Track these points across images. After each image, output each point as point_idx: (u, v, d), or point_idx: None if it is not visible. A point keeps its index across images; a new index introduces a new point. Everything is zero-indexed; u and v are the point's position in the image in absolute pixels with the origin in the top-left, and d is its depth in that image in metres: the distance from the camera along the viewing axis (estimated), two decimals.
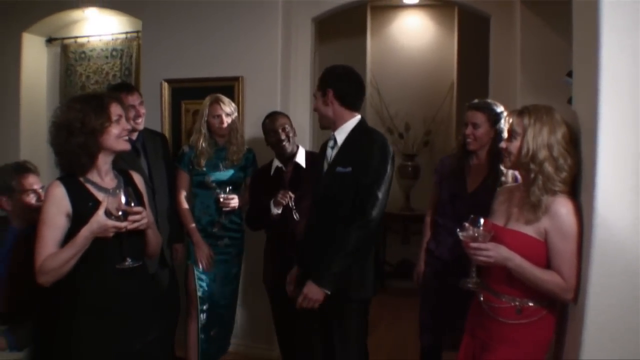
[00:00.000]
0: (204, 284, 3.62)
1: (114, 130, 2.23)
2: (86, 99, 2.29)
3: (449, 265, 3.01)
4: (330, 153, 2.79)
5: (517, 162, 2.18)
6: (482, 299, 2.26)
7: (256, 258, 3.87)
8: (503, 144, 2.23)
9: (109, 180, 2.31)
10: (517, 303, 2.15)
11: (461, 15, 6.42)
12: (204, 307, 3.63)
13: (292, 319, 3.11)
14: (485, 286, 2.24)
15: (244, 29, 4.41)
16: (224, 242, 3.67)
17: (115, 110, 2.26)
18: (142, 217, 2.19)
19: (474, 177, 3.08)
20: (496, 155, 2.85)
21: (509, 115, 2.28)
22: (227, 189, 3.57)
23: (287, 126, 3.49)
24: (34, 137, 5.25)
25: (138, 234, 2.28)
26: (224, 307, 3.75)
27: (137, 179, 2.47)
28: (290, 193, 3.35)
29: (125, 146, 2.31)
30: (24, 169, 2.96)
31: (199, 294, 3.60)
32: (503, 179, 2.89)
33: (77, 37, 5.38)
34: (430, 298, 3.19)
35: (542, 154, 2.08)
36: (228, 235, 3.68)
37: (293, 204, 3.36)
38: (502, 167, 2.81)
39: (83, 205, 2.18)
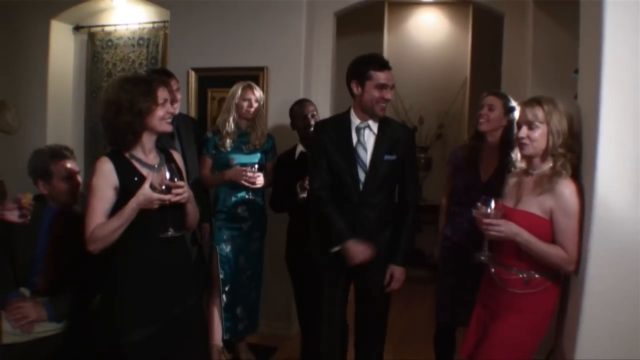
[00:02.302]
0: (226, 267, 3.79)
1: (159, 112, 2.39)
2: (136, 81, 2.44)
3: (464, 248, 3.15)
4: (368, 141, 2.98)
5: (546, 149, 2.35)
6: (493, 271, 2.47)
7: (273, 239, 4.07)
8: (524, 133, 2.38)
9: (152, 157, 2.48)
10: (524, 275, 2.35)
11: (475, 13, 6.59)
12: (226, 289, 3.79)
13: (315, 294, 3.33)
14: (496, 260, 2.44)
15: (270, 22, 4.59)
16: (248, 225, 3.84)
17: (162, 94, 2.42)
18: (184, 191, 2.36)
19: (485, 167, 3.23)
20: (507, 144, 3.00)
21: (523, 106, 2.45)
22: (253, 168, 3.68)
23: (315, 113, 3.71)
24: (60, 122, 5.49)
25: (179, 207, 2.45)
26: (248, 288, 3.91)
27: (177, 157, 2.65)
28: None
29: (167, 128, 2.47)
30: (60, 155, 3.01)
31: (221, 276, 3.77)
32: (513, 169, 3.06)
33: (104, 25, 5.53)
34: (448, 279, 3.35)
35: (564, 141, 2.29)
36: (252, 217, 3.85)
37: None
38: (512, 156, 2.95)
39: (129, 180, 2.35)
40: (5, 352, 2.70)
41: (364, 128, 2.99)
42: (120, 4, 5.43)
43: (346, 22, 5.36)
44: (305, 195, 3.53)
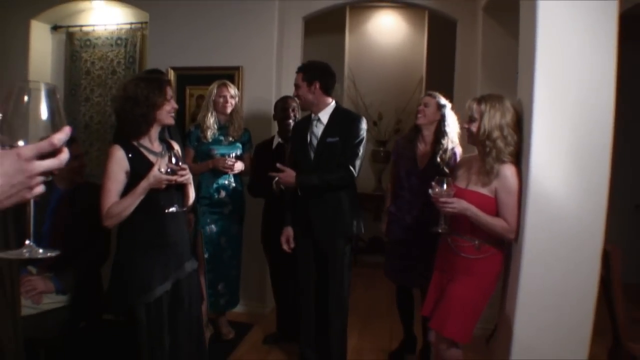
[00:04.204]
0: (210, 248, 4.15)
1: (167, 106, 2.77)
2: (150, 79, 2.81)
3: (407, 222, 3.76)
4: (317, 129, 3.49)
5: (476, 139, 2.82)
6: (449, 240, 2.93)
7: (248, 224, 4.43)
8: (465, 125, 2.87)
9: (156, 145, 2.84)
10: (476, 242, 2.82)
11: (431, 17, 7.02)
12: (209, 267, 4.15)
13: (289, 272, 3.77)
14: (452, 231, 2.89)
15: (244, 24, 4.93)
16: (229, 209, 4.21)
17: (169, 91, 2.80)
18: (187, 174, 2.75)
19: (421, 157, 3.75)
20: (438, 138, 3.65)
21: (470, 102, 2.90)
22: (231, 156, 4.11)
23: (296, 108, 4.13)
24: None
25: (181, 188, 2.84)
26: (228, 266, 4.27)
27: (176, 146, 3.02)
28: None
29: (171, 120, 2.84)
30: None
31: (205, 256, 4.12)
32: (443, 154, 3.63)
33: (82, 25, 5.76)
34: (396, 248, 3.87)
35: (495, 133, 2.73)
36: (232, 202, 4.22)
37: None
38: (443, 143, 3.61)
39: (138, 164, 2.70)
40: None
41: (316, 120, 3.53)
42: (99, 5, 5.68)
43: (311, 24, 5.67)
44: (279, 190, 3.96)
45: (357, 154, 3.42)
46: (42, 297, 3.08)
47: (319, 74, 3.50)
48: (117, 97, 2.83)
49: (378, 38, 7.52)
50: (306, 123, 3.60)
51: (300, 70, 3.53)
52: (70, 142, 2.99)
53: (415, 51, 7.37)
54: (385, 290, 5.55)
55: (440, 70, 5.98)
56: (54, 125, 0.99)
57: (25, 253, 1.07)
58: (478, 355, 3.74)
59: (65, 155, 0.99)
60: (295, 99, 3.94)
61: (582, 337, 2.59)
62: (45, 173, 0.97)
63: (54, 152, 0.97)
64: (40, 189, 0.98)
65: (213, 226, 4.18)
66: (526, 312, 2.65)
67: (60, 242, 3.12)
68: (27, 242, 1.08)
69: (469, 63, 4.91)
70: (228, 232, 4.24)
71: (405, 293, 3.98)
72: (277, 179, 3.64)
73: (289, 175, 3.42)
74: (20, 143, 0.96)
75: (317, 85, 3.46)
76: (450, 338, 2.88)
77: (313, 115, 3.53)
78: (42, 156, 0.95)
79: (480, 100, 2.82)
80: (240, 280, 4.45)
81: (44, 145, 0.95)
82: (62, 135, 0.97)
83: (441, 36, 6.11)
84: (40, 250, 1.08)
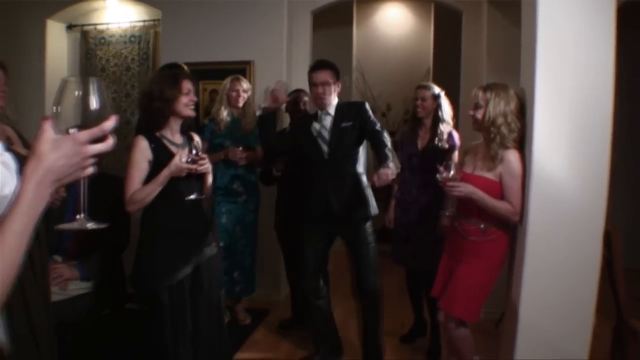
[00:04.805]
0: (225, 236, 4.30)
1: (183, 99, 2.90)
2: (164, 75, 2.97)
3: (408, 203, 3.98)
4: (326, 122, 3.58)
5: (482, 125, 2.94)
6: (457, 224, 3.06)
7: (262, 214, 4.58)
8: (471, 112, 3.00)
9: (177, 137, 2.98)
10: (482, 225, 2.93)
11: (437, 9, 7.12)
12: (224, 255, 4.27)
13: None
14: (459, 215, 3.03)
15: (255, 20, 5.06)
16: (243, 199, 4.38)
17: (186, 85, 2.92)
18: (206, 163, 2.90)
19: (422, 140, 3.96)
20: (436, 123, 3.87)
21: (476, 90, 3.02)
22: (240, 148, 4.23)
23: (306, 102, 4.29)
24: None
25: (200, 177, 2.98)
26: (243, 254, 4.43)
27: (196, 137, 3.15)
28: None
29: (190, 113, 2.96)
30: (85, 127, 3.55)
31: (221, 244, 4.24)
32: (439, 142, 3.84)
33: (96, 24, 5.89)
34: (401, 230, 4.05)
35: (499, 120, 2.85)
36: (246, 192, 4.38)
37: None
38: (441, 128, 3.84)
39: (161, 154, 2.84)
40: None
41: (323, 114, 3.62)
42: (112, 4, 5.80)
43: (319, 18, 5.78)
44: (279, 173, 4.19)
45: (377, 122, 3.54)
46: (68, 284, 3.22)
47: (339, 73, 3.65)
48: (140, 92, 2.98)
49: (385, 30, 7.63)
50: (307, 120, 3.71)
51: (329, 67, 3.60)
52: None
53: (422, 42, 7.48)
54: (395, 278, 5.67)
55: (447, 61, 6.11)
56: (103, 114, 1.12)
57: (78, 225, 1.21)
58: (488, 338, 3.88)
59: (112, 140, 1.11)
60: (306, 92, 4.05)
61: (585, 315, 2.70)
62: (96, 155, 1.09)
63: (103, 138, 1.09)
64: (91, 170, 1.11)
65: (228, 215, 4.33)
66: (531, 291, 2.76)
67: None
68: (78, 215, 1.23)
69: (474, 53, 5.01)
70: (242, 221, 4.39)
71: (412, 275, 4.15)
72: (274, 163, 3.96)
73: (385, 174, 3.19)
74: (72, 130, 1.09)
75: (340, 84, 3.62)
76: (458, 317, 3.00)
77: (320, 111, 3.62)
78: (94, 141, 1.08)
79: (485, 89, 2.94)
80: (255, 268, 4.59)
81: (95, 132, 1.08)
82: (111, 122, 1.09)
83: (447, 28, 6.21)
84: (90, 223, 1.22)
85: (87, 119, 1.11)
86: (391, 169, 3.15)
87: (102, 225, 1.23)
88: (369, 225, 3.63)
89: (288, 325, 4.51)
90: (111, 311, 3.58)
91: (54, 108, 1.11)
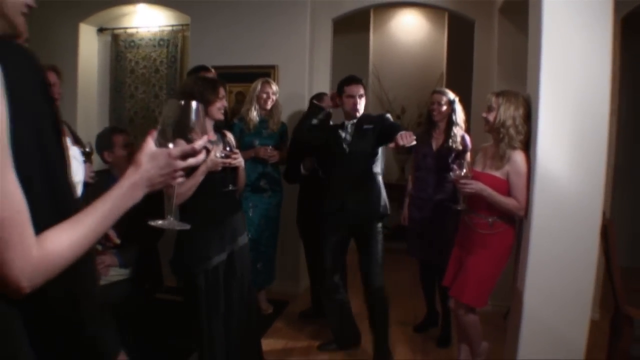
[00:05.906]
0: (252, 229, 4.54)
1: (218, 104, 3.16)
2: (206, 79, 3.24)
3: (423, 200, 4.22)
4: (350, 128, 3.87)
5: (492, 127, 3.21)
6: (467, 218, 3.33)
7: (285, 209, 4.85)
8: (484, 114, 3.26)
9: (211, 134, 3.23)
10: (489, 219, 3.21)
11: (450, 17, 7.35)
12: (250, 247, 4.49)
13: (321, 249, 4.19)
14: (469, 209, 3.31)
15: (279, 26, 5.30)
16: (268, 194, 4.66)
17: (222, 91, 3.20)
18: (239, 157, 3.19)
19: (436, 141, 4.22)
20: (450, 126, 4.12)
21: (490, 95, 3.30)
22: (270, 147, 4.56)
23: (330, 105, 4.53)
24: (87, 113, 6.10)
25: (234, 170, 3.25)
26: (266, 246, 4.70)
27: (229, 135, 3.44)
28: None
29: (221, 117, 3.22)
30: (117, 129, 3.86)
31: (248, 236, 4.51)
32: (453, 143, 4.10)
33: (126, 27, 6.18)
34: (415, 226, 4.31)
35: (509, 122, 3.12)
36: (271, 188, 4.67)
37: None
38: (454, 131, 4.08)
39: None
40: None
41: (350, 123, 3.90)
42: (142, 9, 6.07)
43: (338, 25, 5.95)
44: (307, 172, 4.45)
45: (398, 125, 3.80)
46: (108, 270, 3.50)
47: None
48: (176, 91, 3.24)
49: (401, 36, 7.87)
50: (332, 131, 3.96)
51: (360, 82, 3.89)
52: (120, 132, 3.38)
53: (436, 49, 7.70)
54: (408, 274, 5.93)
55: (459, 67, 6.30)
56: (196, 133, 1.31)
57: (167, 224, 1.44)
58: (496, 329, 4.13)
59: (202, 156, 1.31)
60: (329, 97, 4.36)
61: (584, 301, 2.94)
62: (185, 169, 1.29)
63: (193, 154, 1.29)
64: (180, 180, 1.31)
65: (254, 210, 4.61)
66: (534, 280, 3.00)
67: (122, 222, 3.50)
68: (168, 217, 1.46)
69: (486, 60, 5.18)
70: (267, 215, 4.67)
71: (426, 268, 4.42)
72: (303, 162, 4.24)
73: (408, 133, 3.41)
74: (170, 145, 1.28)
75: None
76: (467, 304, 3.28)
77: (346, 121, 3.90)
78: (185, 155, 1.27)
79: (499, 94, 3.22)
80: (276, 260, 4.86)
81: (187, 149, 1.27)
82: (202, 142, 1.30)
83: (460, 35, 6.36)
84: (177, 223, 1.47)
85: (183, 136, 1.29)
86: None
87: (186, 227, 1.48)
88: (380, 224, 3.86)
89: (309, 315, 4.76)
90: (147, 296, 3.84)
91: (160, 124, 1.30)
